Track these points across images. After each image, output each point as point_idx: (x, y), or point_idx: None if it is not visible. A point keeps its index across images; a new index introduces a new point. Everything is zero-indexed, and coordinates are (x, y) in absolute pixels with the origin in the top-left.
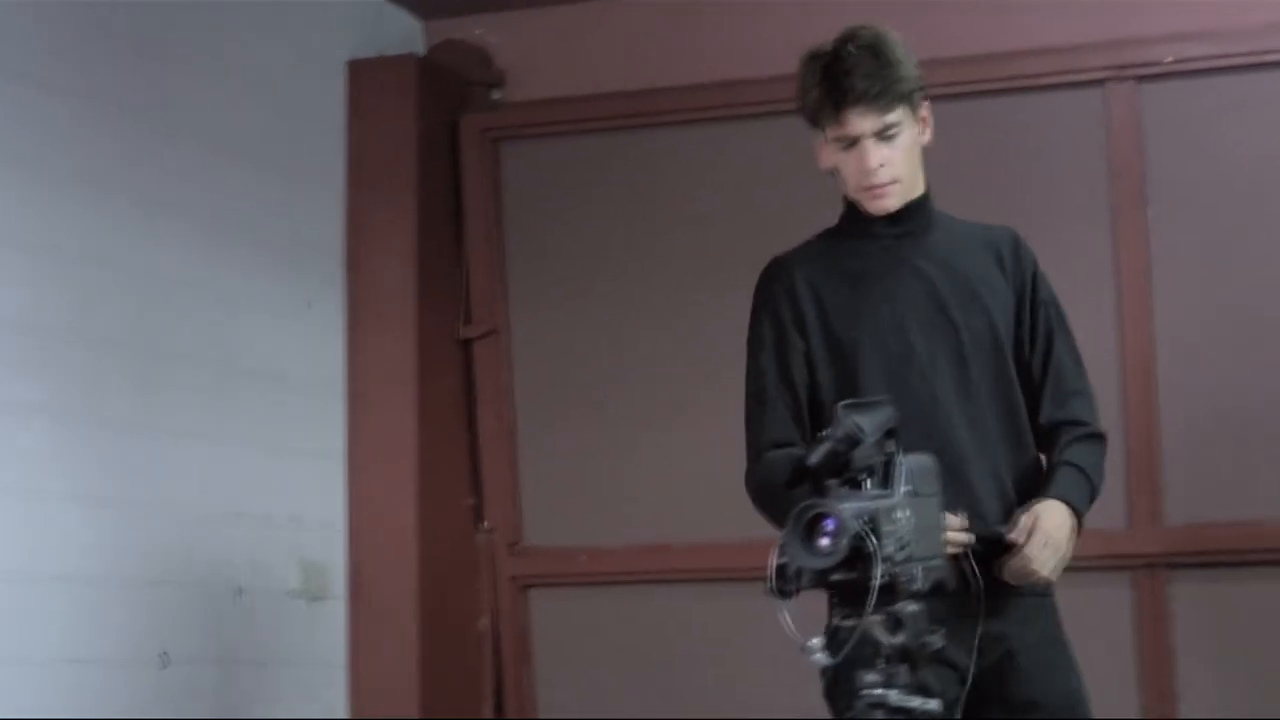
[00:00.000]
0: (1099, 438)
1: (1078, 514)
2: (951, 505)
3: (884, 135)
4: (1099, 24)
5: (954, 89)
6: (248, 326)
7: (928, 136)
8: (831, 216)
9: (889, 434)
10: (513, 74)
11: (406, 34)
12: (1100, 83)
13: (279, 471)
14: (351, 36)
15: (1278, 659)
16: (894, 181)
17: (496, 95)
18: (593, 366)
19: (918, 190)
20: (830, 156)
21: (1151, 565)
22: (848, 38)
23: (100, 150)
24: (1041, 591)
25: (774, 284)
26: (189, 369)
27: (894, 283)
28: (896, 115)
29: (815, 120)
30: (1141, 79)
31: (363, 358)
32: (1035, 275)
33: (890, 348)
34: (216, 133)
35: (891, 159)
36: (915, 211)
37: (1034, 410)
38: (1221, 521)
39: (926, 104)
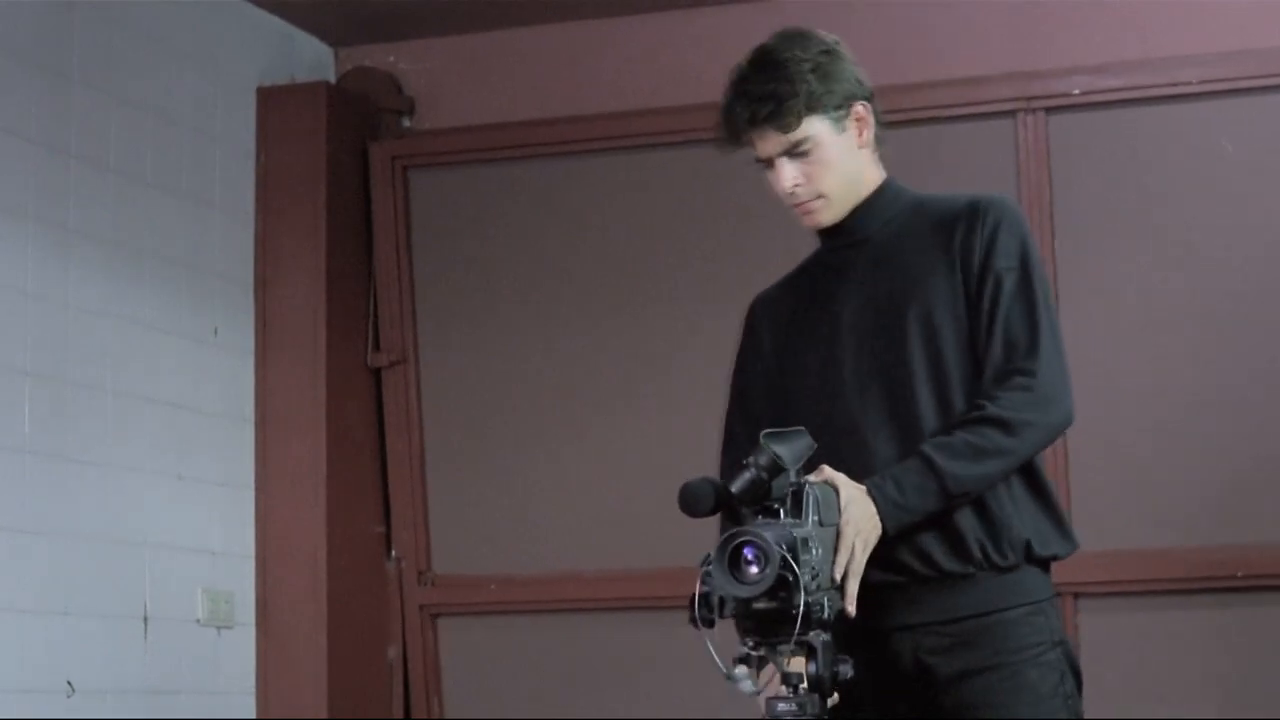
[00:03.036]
0: (997, 423)
1: (890, 515)
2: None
3: (795, 153)
4: (1009, 55)
5: None
6: (154, 354)
7: (867, 138)
8: (739, 246)
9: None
10: (423, 101)
11: (317, 60)
12: (1010, 114)
13: (186, 499)
14: (261, 63)
15: (1184, 688)
16: (818, 197)
17: (407, 123)
18: (502, 395)
19: (860, 195)
20: (766, 178)
21: (1059, 594)
22: (754, 55)
23: (6, 178)
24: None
25: (744, 324)
26: (95, 396)
27: (833, 298)
28: (803, 131)
29: (731, 144)
30: (1050, 110)
31: (271, 385)
32: (993, 243)
33: (818, 368)
34: (124, 158)
35: (809, 175)
36: (862, 217)
37: None
38: (1128, 550)
39: (863, 105)
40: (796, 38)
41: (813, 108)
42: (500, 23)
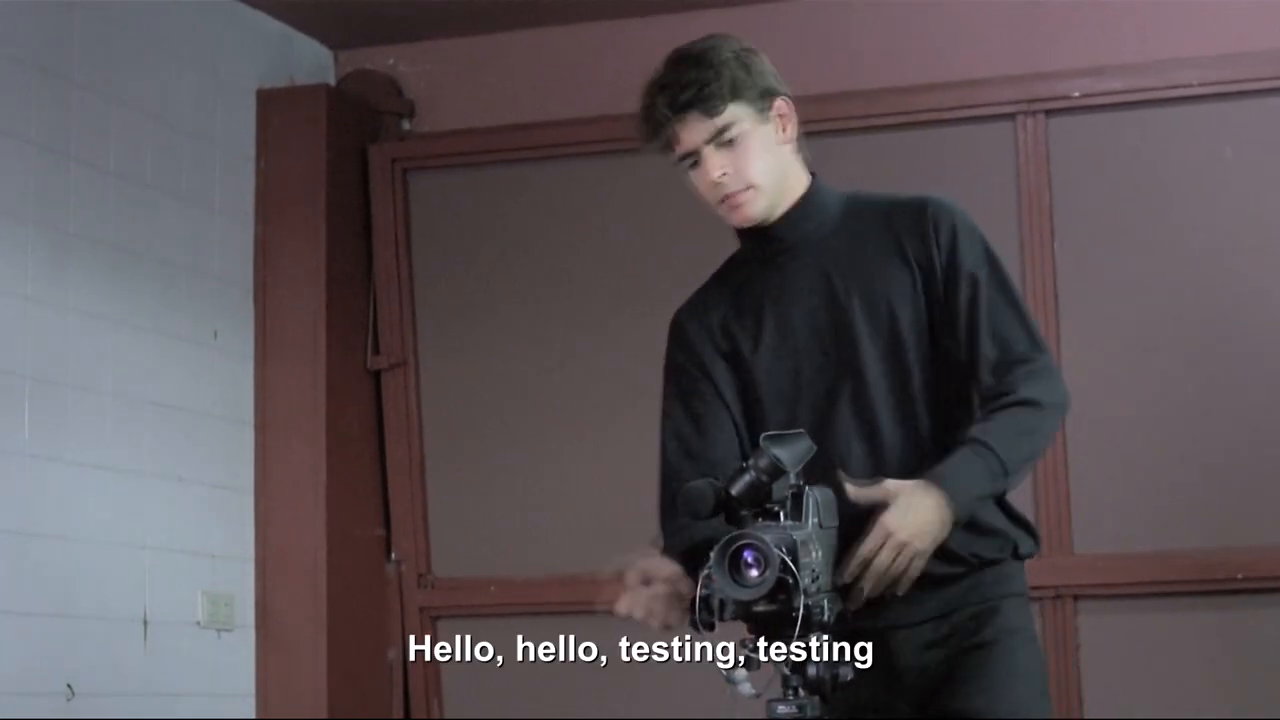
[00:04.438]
0: (1029, 404)
1: (959, 496)
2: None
3: (721, 141)
4: (1009, 58)
5: (864, 122)
6: (154, 356)
7: (791, 133)
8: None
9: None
10: (423, 104)
11: (317, 63)
12: (1010, 116)
13: (186, 502)
14: (261, 65)
15: (1184, 690)
16: (748, 188)
17: (406, 125)
18: (502, 397)
19: (793, 194)
20: (691, 183)
21: (1059, 596)
22: (670, 57)
23: (6, 180)
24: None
25: (672, 344)
26: (95, 399)
27: (778, 302)
28: (729, 116)
29: (653, 144)
30: (1050, 113)
31: (271, 389)
32: (954, 247)
33: (776, 375)
34: (123, 161)
35: (736, 165)
36: (797, 219)
37: (970, 394)
38: (1129, 552)
39: (783, 101)
40: (712, 37)
41: (736, 93)
42: (500, 25)
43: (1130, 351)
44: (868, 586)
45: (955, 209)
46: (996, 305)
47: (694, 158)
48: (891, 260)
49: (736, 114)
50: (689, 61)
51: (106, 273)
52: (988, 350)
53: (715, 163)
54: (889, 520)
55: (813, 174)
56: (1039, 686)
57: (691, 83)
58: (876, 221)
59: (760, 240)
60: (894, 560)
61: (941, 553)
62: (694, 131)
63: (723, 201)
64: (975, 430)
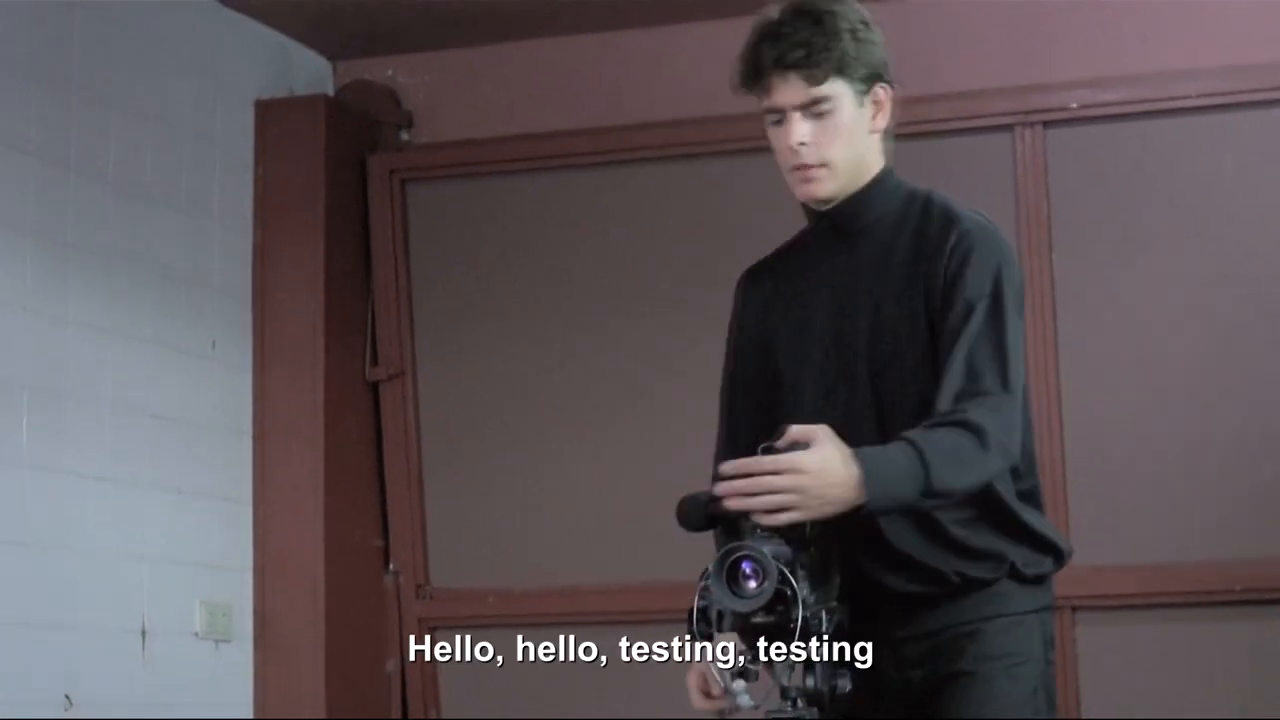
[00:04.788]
0: (974, 430)
1: (877, 497)
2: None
3: (813, 110)
4: (1007, 69)
5: None
6: (153, 366)
7: (881, 122)
8: (736, 258)
9: None
10: (421, 115)
11: (316, 74)
12: (1008, 128)
13: (184, 512)
14: (260, 76)
15: (1182, 702)
16: (822, 165)
17: (405, 136)
18: (500, 408)
19: (861, 180)
20: (770, 137)
21: (1057, 608)
22: (792, 5)
23: (5, 190)
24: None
25: (736, 300)
26: (93, 409)
27: (813, 290)
28: (829, 89)
29: (747, 89)
30: (1048, 124)
31: (269, 399)
32: (960, 273)
33: (790, 359)
34: (122, 171)
35: (820, 138)
36: (855, 208)
37: None
38: (1127, 564)
39: (885, 88)
40: (836, 1)
41: (842, 70)
42: (498, 36)
43: (1128, 363)
44: (723, 487)
45: (980, 237)
46: (981, 339)
47: (780, 116)
48: (912, 274)
49: (836, 89)
50: (808, 19)
51: (105, 283)
52: (955, 377)
53: (800, 129)
54: (805, 457)
55: (888, 168)
56: (1019, 714)
57: (804, 43)
58: (919, 229)
59: (819, 220)
60: (774, 483)
61: (924, 571)
62: (790, 92)
63: (795, 170)
64: (915, 434)
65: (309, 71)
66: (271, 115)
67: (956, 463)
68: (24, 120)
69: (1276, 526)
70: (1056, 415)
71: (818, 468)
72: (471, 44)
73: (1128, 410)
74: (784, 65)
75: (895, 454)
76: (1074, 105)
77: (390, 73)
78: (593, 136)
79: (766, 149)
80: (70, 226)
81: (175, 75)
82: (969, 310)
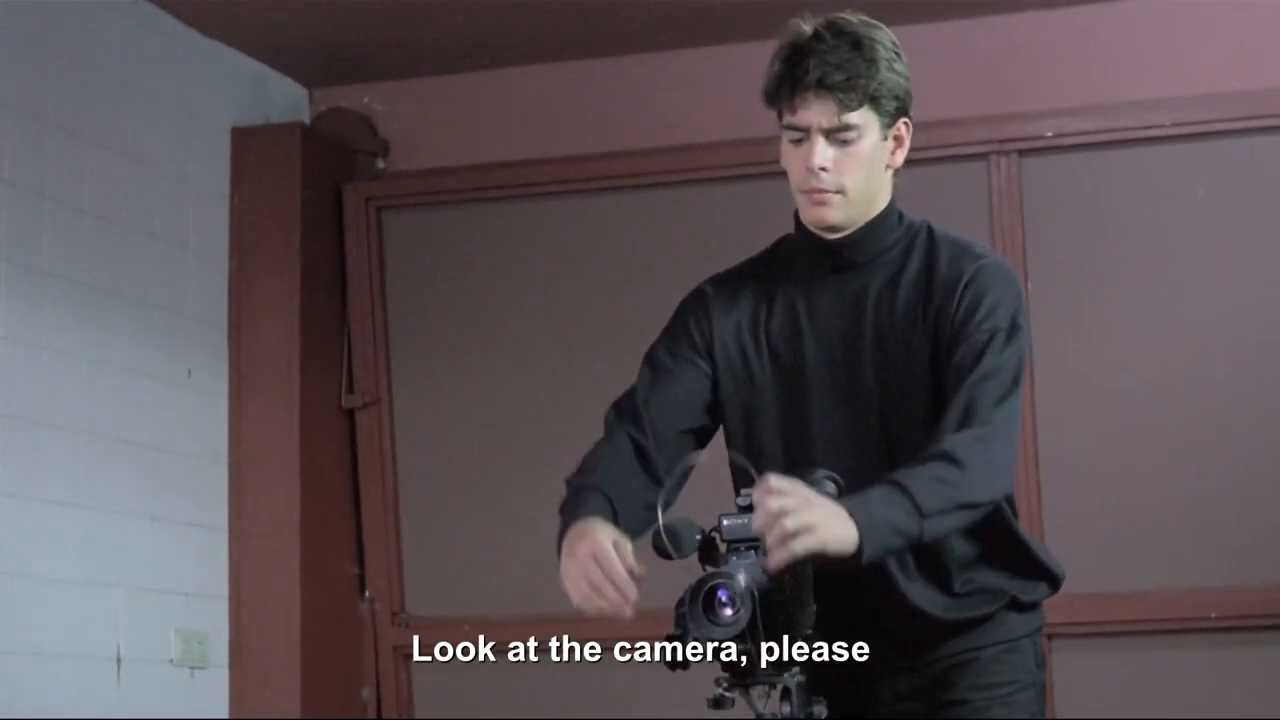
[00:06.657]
0: (950, 460)
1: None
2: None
3: (838, 136)
4: (982, 98)
5: None
6: (128, 395)
7: (899, 159)
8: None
9: None
10: (397, 143)
11: (291, 102)
12: (983, 156)
13: (159, 540)
14: (236, 104)
15: None
16: (838, 192)
17: (381, 164)
18: (475, 436)
19: (870, 213)
20: (783, 151)
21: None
22: (831, 22)
23: None
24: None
25: (690, 305)
26: (69, 438)
27: (806, 325)
28: (858, 117)
29: (771, 101)
30: (1023, 153)
31: (245, 427)
32: (970, 316)
33: (779, 398)
34: (98, 200)
35: (841, 164)
36: (863, 242)
37: None
38: (1103, 592)
39: (906, 124)
40: (874, 25)
41: (877, 100)
42: (475, 65)
43: (1103, 391)
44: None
45: (991, 282)
46: (988, 377)
47: (802, 135)
48: (920, 309)
49: (866, 119)
50: (848, 40)
51: (81, 311)
52: (955, 416)
53: (824, 153)
54: (804, 488)
55: (893, 202)
56: None
57: (844, 65)
58: (928, 264)
59: (819, 249)
60: (774, 515)
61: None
62: (819, 113)
63: (808, 192)
64: (899, 474)
65: (285, 99)
66: (247, 143)
67: (929, 483)
68: (0, 150)
69: (1251, 554)
70: (1031, 443)
71: (819, 499)
72: (447, 72)
73: (1102, 438)
74: (822, 86)
75: (875, 493)
76: (1049, 134)
77: (366, 100)
78: (569, 165)
79: (742, 177)
80: (46, 255)
81: (150, 102)
82: (980, 348)
